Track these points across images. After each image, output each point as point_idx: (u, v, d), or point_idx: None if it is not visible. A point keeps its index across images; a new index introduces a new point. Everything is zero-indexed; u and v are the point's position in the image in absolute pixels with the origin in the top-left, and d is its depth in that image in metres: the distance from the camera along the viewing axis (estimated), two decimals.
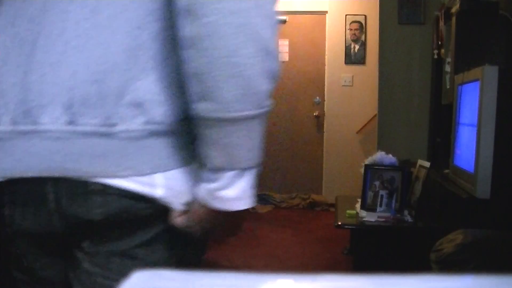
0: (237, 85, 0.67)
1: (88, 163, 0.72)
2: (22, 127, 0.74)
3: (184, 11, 0.67)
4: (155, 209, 0.75)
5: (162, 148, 0.74)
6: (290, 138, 5.64)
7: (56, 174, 0.73)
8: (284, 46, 5.61)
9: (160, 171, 0.73)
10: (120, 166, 0.72)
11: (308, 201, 5.47)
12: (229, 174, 0.73)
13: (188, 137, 0.75)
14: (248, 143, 0.71)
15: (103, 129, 0.72)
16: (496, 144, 2.16)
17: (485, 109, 2.17)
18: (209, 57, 0.66)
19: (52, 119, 0.73)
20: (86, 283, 0.79)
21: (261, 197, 5.51)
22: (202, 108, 0.69)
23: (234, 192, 0.73)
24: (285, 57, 5.63)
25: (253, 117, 0.69)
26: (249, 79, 0.67)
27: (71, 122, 0.73)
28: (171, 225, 0.77)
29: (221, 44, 0.66)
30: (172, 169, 0.74)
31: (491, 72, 2.17)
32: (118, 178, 0.72)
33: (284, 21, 5.59)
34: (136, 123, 0.72)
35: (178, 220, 0.77)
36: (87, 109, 0.72)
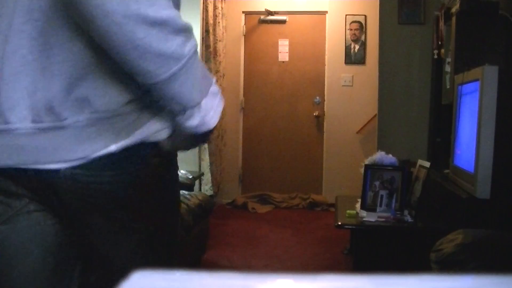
0: (146, 59, 0.84)
1: (49, 153, 0.91)
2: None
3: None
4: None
5: (109, 129, 0.92)
6: (290, 138, 5.64)
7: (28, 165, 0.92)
8: (284, 46, 5.61)
9: (112, 144, 0.92)
10: (75, 152, 0.91)
11: (308, 201, 5.47)
12: (188, 112, 0.92)
13: (134, 114, 0.94)
14: (187, 88, 0.90)
15: (58, 124, 0.90)
16: (496, 144, 2.16)
17: (485, 109, 2.17)
18: (118, 52, 0.85)
19: (19, 119, 0.90)
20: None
21: (261, 197, 5.52)
22: (141, 80, 0.88)
23: (196, 121, 0.94)
24: (285, 57, 5.63)
25: (178, 70, 0.87)
26: (148, 51, 0.84)
27: (34, 121, 0.90)
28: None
29: (118, 41, 0.83)
30: (121, 140, 0.92)
31: (491, 72, 2.17)
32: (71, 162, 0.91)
33: (284, 21, 5.59)
34: (83, 115, 0.90)
35: (164, 144, 1.00)
36: (45, 110, 0.90)
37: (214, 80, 0.98)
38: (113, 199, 0.96)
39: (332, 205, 4.74)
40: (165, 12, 0.84)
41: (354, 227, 2.86)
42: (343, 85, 5.52)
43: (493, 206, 2.20)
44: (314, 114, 5.59)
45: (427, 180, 2.82)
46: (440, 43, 3.35)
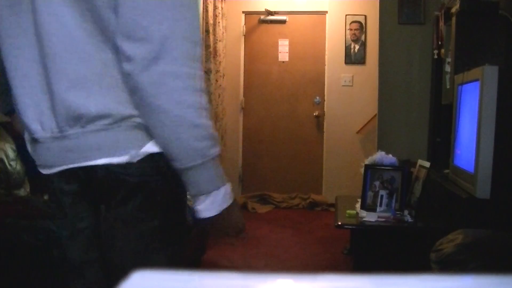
0: (181, 150, 1.08)
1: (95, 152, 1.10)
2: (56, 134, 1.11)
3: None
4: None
5: (142, 134, 1.11)
6: (290, 138, 5.64)
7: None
8: (284, 46, 5.61)
9: (146, 144, 1.11)
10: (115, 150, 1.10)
11: (308, 201, 5.47)
12: (200, 197, 1.14)
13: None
14: (204, 178, 1.11)
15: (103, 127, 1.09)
16: (496, 144, 2.16)
17: (485, 109, 2.16)
18: (164, 138, 1.09)
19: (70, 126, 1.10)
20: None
21: (261, 197, 5.52)
22: (171, 161, 1.10)
23: (202, 207, 1.14)
24: (285, 57, 5.63)
25: (199, 164, 1.09)
26: (185, 145, 1.07)
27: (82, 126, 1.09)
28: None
29: (168, 131, 1.08)
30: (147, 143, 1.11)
31: (491, 72, 2.17)
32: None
33: (284, 21, 5.59)
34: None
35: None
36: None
37: (227, 185, 1.16)
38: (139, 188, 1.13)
39: (332, 205, 4.74)
40: (206, 121, 1.08)
41: (354, 227, 2.86)
42: (343, 85, 5.52)
43: (493, 206, 2.20)
44: (314, 114, 5.59)
45: (427, 180, 2.82)
46: (440, 43, 3.35)
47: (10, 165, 2.41)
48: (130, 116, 1.08)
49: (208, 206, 1.14)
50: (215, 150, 1.11)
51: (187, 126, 1.06)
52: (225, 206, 1.15)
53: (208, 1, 4.72)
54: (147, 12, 1.01)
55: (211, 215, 1.16)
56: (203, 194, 1.12)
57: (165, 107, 1.04)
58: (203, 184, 1.12)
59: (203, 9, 4.61)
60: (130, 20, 1.02)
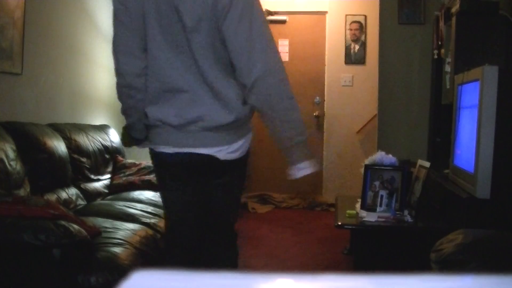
0: (292, 130, 1.78)
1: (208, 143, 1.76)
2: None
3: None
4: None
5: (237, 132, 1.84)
6: None
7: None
8: (284, 46, 5.61)
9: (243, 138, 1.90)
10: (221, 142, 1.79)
11: (308, 201, 5.47)
12: (302, 163, 1.80)
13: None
14: (303, 151, 1.80)
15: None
16: (496, 144, 2.16)
17: (485, 109, 2.16)
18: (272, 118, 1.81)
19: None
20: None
21: (261, 197, 5.52)
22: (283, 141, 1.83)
23: (302, 166, 1.80)
24: (285, 57, 5.63)
25: (302, 141, 1.78)
26: (297, 125, 1.78)
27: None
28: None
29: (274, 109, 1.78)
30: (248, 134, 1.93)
31: (491, 72, 2.17)
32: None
33: (284, 21, 5.59)
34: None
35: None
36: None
37: (311, 160, 1.85)
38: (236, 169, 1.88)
39: (332, 205, 4.74)
40: (297, 120, 1.80)
41: (354, 227, 2.86)
42: (343, 85, 5.52)
43: (493, 206, 2.20)
44: (314, 114, 5.59)
45: (427, 180, 2.82)
46: (440, 43, 3.35)
47: (10, 165, 2.41)
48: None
49: (304, 166, 1.79)
50: (302, 137, 1.77)
51: (288, 125, 1.75)
52: (309, 172, 1.80)
53: None
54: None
55: (300, 176, 1.80)
56: (301, 161, 1.77)
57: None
58: (301, 156, 1.78)
59: None
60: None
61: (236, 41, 1.62)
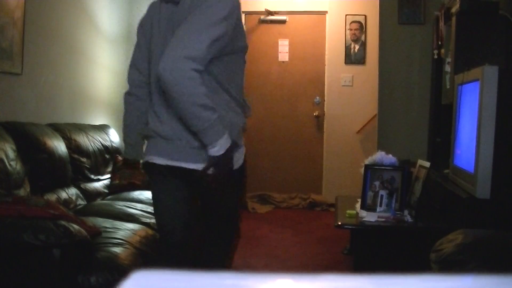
0: (194, 120, 1.69)
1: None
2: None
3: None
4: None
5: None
6: (290, 138, 5.64)
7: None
8: (284, 46, 5.61)
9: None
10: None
11: (308, 201, 5.47)
12: (211, 147, 1.73)
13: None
14: (211, 135, 1.70)
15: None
16: (496, 144, 2.16)
17: (485, 109, 2.16)
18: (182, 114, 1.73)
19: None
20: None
21: (261, 197, 5.52)
22: (189, 126, 1.75)
23: (215, 150, 1.72)
24: (285, 57, 5.63)
25: (207, 127, 1.69)
26: (195, 116, 1.69)
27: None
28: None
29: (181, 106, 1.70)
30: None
31: (491, 72, 2.17)
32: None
33: (284, 21, 5.59)
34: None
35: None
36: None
37: (225, 135, 1.73)
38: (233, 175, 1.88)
39: (332, 205, 4.74)
40: (208, 100, 1.68)
41: (354, 227, 2.86)
42: (343, 85, 5.52)
43: (493, 206, 2.20)
44: (314, 114, 5.59)
45: (427, 180, 2.82)
46: (440, 43, 3.35)
47: (10, 165, 2.41)
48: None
49: (217, 149, 1.72)
50: (215, 115, 1.69)
51: (197, 106, 1.66)
52: (226, 146, 1.73)
53: None
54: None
55: (219, 154, 1.72)
56: (210, 145, 1.71)
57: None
58: (208, 138, 1.71)
59: None
60: None
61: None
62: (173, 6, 1.83)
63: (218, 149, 1.71)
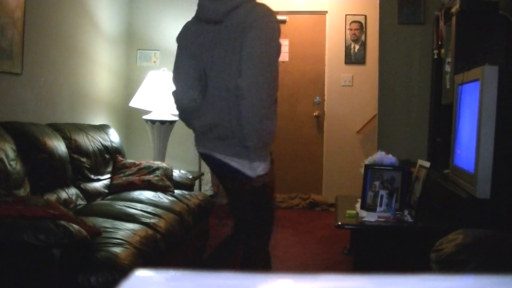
0: (256, 137, 2.08)
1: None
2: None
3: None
4: None
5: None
6: (290, 138, 5.64)
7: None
8: (284, 46, 5.60)
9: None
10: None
11: (308, 201, 5.47)
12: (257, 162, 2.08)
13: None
14: (262, 153, 2.13)
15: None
16: (496, 144, 2.16)
17: (485, 109, 2.16)
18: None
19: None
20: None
21: None
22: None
23: (260, 168, 2.08)
24: (285, 57, 5.63)
25: (262, 146, 2.10)
26: (263, 136, 2.15)
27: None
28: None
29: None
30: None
31: (491, 72, 2.17)
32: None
33: (284, 21, 5.59)
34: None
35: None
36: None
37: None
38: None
39: (332, 205, 4.74)
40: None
41: (354, 227, 2.86)
42: (343, 85, 5.52)
43: (493, 206, 2.20)
44: (314, 114, 5.59)
45: (427, 180, 2.82)
46: (440, 43, 3.35)
47: (10, 165, 2.41)
48: None
49: (263, 167, 2.08)
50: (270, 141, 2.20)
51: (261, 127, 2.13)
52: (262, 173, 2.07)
53: None
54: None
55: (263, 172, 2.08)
56: (259, 160, 2.06)
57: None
58: (258, 155, 2.07)
59: None
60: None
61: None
62: (215, 26, 2.04)
63: None
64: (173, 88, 2.22)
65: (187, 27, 2.16)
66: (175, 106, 2.25)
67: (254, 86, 2.12)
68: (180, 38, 2.16)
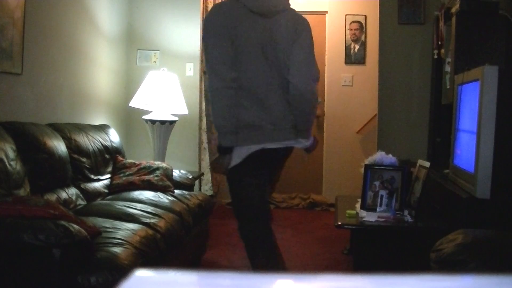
0: (304, 120, 2.38)
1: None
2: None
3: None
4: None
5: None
6: None
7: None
8: None
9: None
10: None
11: (308, 201, 5.47)
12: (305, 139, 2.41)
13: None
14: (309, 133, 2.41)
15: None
16: (496, 144, 2.16)
17: (485, 109, 2.16)
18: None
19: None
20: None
21: None
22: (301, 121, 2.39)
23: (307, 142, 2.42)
24: None
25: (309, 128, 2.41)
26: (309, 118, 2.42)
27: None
28: None
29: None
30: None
31: (491, 72, 2.17)
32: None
33: None
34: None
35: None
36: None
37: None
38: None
39: (332, 205, 4.74)
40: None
41: (354, 227, 2.86)
42: (343, 85, 5.52)
43: (493, 206, 2.20)
44: None
45: (427, 180, 2.82)
46: (440, 43, 3.35)
47: (10, 165, 2.41)
48: None
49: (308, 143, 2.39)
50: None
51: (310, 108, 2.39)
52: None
53: (208, 1, 4.72)
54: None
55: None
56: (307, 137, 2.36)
57: None
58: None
59: (203, 9, 4.61)
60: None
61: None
62: (262, 18, 2.20)
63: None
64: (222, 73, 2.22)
65: (225, 8, 2.21)
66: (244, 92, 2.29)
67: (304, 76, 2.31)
68: (218, 20, 2.19)
